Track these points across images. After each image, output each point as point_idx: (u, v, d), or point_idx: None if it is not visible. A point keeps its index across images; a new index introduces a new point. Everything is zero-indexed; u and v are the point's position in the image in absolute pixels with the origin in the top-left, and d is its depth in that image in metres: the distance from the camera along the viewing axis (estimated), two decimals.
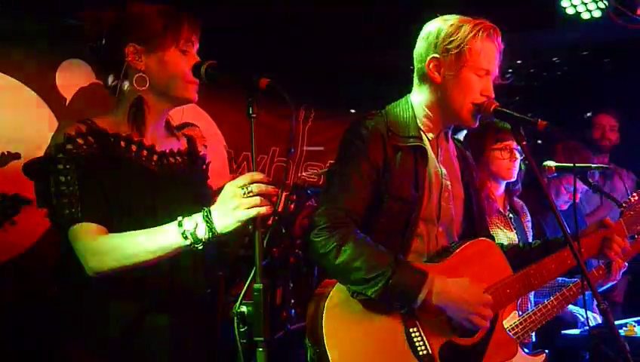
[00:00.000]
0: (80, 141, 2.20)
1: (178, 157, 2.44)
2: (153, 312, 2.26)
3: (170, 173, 2.38)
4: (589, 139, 5.56)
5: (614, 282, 3.37)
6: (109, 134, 2.28)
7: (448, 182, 2.67)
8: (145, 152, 2.33)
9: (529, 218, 3.88)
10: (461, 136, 2.95)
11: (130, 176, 2.27)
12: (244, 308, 1.90)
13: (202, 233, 2.06)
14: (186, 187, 2.40)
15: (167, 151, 2.40)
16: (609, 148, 5.57)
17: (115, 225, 2.19)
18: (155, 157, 2.36)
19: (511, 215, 3.76)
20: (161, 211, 2.26)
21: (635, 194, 2.92)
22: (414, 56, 2.67)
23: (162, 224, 2.13)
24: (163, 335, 2.27)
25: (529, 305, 3.59)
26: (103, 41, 2.32)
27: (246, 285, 1.93)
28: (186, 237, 2.07)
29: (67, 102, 5.01)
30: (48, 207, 2.21)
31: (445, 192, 2.65)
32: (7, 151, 4.67)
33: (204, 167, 2.57)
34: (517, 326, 3.22)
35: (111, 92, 2.36)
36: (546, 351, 3.33)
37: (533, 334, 3.45)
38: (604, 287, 3.51)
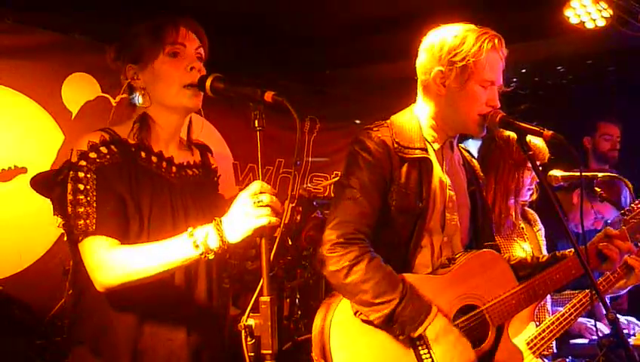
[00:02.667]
0: (104, 150, 2.21)
1: (195, 170, 2.45)
2: (169, 325, 2.25)
3: (189, 185, 2.39)
4: (597, 151, 5.52)
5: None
6: (131, 144, 2.28)
7: (453, 193, 2.66)
8: (164, 164, 2.34)
9: (541, 227, 3.85)
10: (473, 149, 2.93)
11: (151, 186, 2.27)
12: (251, 321, 1.90)
13: (213, 242, 2.06)
14: (203, 198, 2.42)
15: (185, 163, 2.42)
16: (616, 158, 5.53)
17: (135, 236, 2.19)
18: (174, 169, 2.36)
19: (522, 225, 3.74)
20: (180, 222, 2.26)
21: (638, 201, 2.91)
22: (417, 67, 2.66)
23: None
24: (179, 348, 2.26)
25: (547, 315, 3.57)
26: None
27: (253, 297, 1.93)
28: (197, 247, 2.06)
29: (73, 116, 5.03)
30: (64, 216, 2.21)
31: (450, 203, 2.64)
32: (15, 166, 4.68)
33: (216, 178, 2.58)
34: (535, 337, 3.21)
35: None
36: (568, 359, 3.31)
37: (554, 344, 3.43)
38: (623, 291, 3.46)
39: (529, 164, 3.46)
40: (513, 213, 3.60)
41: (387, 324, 2.40)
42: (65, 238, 2.28)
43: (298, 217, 4.75)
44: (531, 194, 3.66)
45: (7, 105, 4.76)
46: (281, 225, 2.02)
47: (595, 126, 5.61)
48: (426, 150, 2.59)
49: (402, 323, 2.39)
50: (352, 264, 2.40)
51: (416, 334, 2.40)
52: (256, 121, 2.01)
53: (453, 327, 2.47)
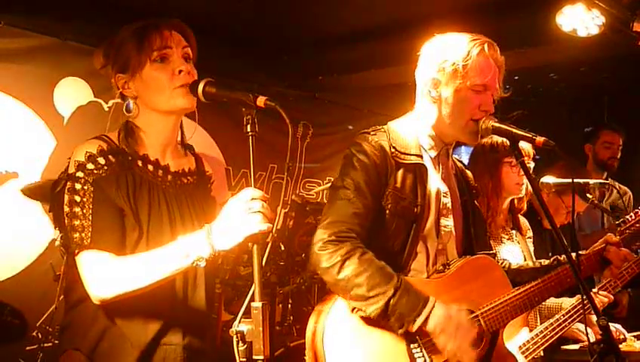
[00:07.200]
0: (101, 161, 2.20)
1: (189, 177, 2.43)
2: (165, 330, 2.24)
3: (184, 193, 2.38)
4: (597, 158, 5.53)
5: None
6: (127, 153, 2.27)
7: (447, 200, 2.67)
8: (160, 172, 2.33)
9: (531, 234, 3.87)
10: (464, 157, 2.95)
11: (149, 196, 2.26)
12: (243, 327, 1.89)
13: (204, 251, 2.06)
14: (199, 205, 2.41)
15: (180, 171, 2.41)
16: (615, 167, 5.52)
17: (134, 246, 2.18)
18: (169, 178, 2.35)
19: (513, 231, 3.75)
20: (177, 230, 2.25)
21: (632, 213, 2.93)
22: (416, 76, 2.69)
23: None
24: (174, 352, 2.25)
25: (538, 321, 3.58)
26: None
27: (245, 303, 1.92)
28: (187, 256, 2.06)
29: (65, 120, 5.01)
30: (61, 228, 2.20)
31: (444, 209, 2.65)
32: (5, 170, 4.66)
33: (209, 185, 2.57)
34: (528, 341, 3.21)
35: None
36: None
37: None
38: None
39: (507, 159, 3.49)
40: (499, 212, 3.61)
41: (384, 317, 2.38)
42: (56, 244, 2.27)
43: (291, 223, 4.75)
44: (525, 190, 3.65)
45: None
46: (273, 231, 2.01)
47: (598, 133, 5.61)
48: (421, 157, 2.60)
49: (400, 315, 2.38)
50: (345, 258, 2.39)
51: (414, 327, 2.38)
52: (248, 126, 2.00)
53: (452, 314, 2.44)
